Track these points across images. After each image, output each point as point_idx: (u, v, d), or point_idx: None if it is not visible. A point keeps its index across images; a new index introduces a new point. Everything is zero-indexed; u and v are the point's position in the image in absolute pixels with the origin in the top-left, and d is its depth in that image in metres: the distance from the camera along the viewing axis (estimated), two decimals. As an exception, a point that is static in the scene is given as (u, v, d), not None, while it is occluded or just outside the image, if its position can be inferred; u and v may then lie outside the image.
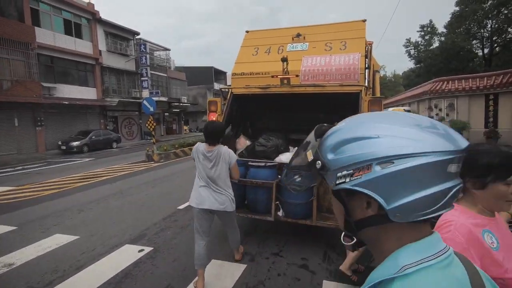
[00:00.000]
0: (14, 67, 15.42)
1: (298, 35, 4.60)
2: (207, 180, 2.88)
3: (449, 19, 23.88)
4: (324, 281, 2.95)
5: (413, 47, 26.70)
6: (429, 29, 26.12)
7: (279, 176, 3.67)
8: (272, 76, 4.07)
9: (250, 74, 4.53)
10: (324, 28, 4.70)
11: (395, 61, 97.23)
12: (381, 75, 54.01)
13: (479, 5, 21.28)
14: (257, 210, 3.76)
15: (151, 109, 11.00)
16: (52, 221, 4.85)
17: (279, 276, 3.07)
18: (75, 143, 16.68)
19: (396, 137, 0.49)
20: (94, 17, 20.35)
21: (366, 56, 4.70)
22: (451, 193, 0.49)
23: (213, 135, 2.90)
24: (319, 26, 4.80)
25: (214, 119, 4.43)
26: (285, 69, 3.96)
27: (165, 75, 28.64)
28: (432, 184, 0.48)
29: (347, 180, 0.52)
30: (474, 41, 23.83)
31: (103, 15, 20.96)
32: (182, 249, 3.72)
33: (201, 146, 2.93)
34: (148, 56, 23.91)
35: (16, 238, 4.22)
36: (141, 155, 13.26)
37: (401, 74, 43.88)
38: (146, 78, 23.99)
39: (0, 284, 3.05)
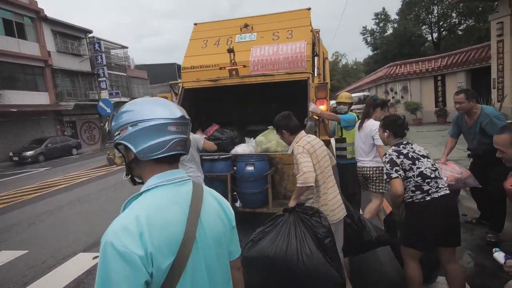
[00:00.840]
0: None
1: (246, 25, 4.58)
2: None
3: (400, 6, 25.13)
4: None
5: (369, 35, 27.84)
6: (382, 16, 27.33)
7: (234, 168, 3.67)
8: (220, 68, 4.03)
9: (200, 67, 4.46)
10: (271, 18, 4.72)
11: (356, 49, 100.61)
12: (343, 63, 55.90)
13: (425, -9, 22.56)
14: (215, 203, 3.74)
15: (108, 110, 10.49)
16: (-2, 238, 4.49)
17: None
18: (29, 153, 15.51)
19: (141, 110, 0.85)
20: (39, 16, 18.83)
21: (314, 44, 4.81)
22: (171, 143, 0.84)
23: None
24: (266, 16, 4.81)
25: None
26: (232, 60, 3.93)
27: (125, 74, 27.38)
28: (158, 136, 0.83)
29: (117, 137, 0.85)
30: (424, 27, 25.31)
31: (51, 14, 19.49)
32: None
33: None
34: (103, 55, 22.65)
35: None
36: (103, 159, 12.62)
37: (362, 61, 45.60)
38: (104, 79, 22.75)
39: None
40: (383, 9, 27.24)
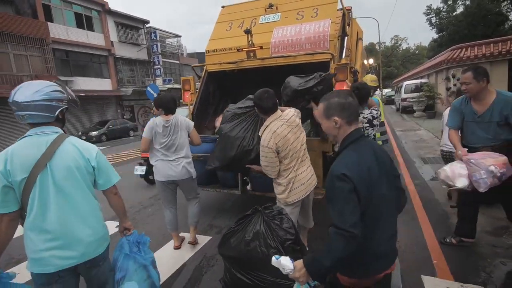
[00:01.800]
0: (32, 63, 16.21)
1: (271, 5, 4.42)
2: (166, 152, 2.97)
3: (476, -20, 21.76)
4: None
5: (434, 15, 24.77)
6: (452, -7, 24.00)
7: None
8: (238, 50, 3.98)
9: (223, 50, 4.46)
10: None
11: (420, 32, 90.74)
12: (403, 48, 51.04)
13: (508, -39, 19.15)
14: (227, 184, 3.80)
15: (155, 95, 11.19)
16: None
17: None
18: (94, 133, 17.51)
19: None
20: (104, 9, 20.71)
21: (345, 23, 4.46)
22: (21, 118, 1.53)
23: (169, 105, 3.00)
24: None
25: (188, 98, 4.46)
26: (250, 42, 3.85)
27: (178, 62, 28.86)
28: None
29: None
30: (505, 3, 21.64)
31: (113, 6, 21.30)
32: (156, 224, 3.88)
33: (157, 119, 2.99)
34: (159, 44, 24.14)
35: None
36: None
37: (427, 45, 41.12)
38: (159, 66, 24.36)
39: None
40: (454, -16, 23.80)
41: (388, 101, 25.17)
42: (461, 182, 2.33)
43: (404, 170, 5.65)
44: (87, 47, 19.44)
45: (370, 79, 3.75)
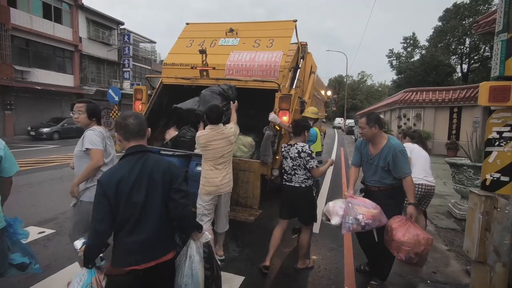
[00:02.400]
0: (-15, 48, 15.01)
1: (231, 30, 4.64)
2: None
3: (431, 34, 24.49)
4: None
5: (395, 58, 27.28)
6: (411, 41, 26.72)
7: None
8: (191, 67, 4.10)
9: (180, 65, 4.55)
10: (256, 25, 4.77)
11: (384, 72, 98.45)
12: (368, 84, 54.89)
13: (459, 22, 21.89)
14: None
15: (116, 98, 10.89)
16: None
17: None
18: (45, 130, 16.28)
19: None
20: (76, 3, 20.00)
21: (299, 57, 4.80)
22: None
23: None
24: (252, 23, 4.87)
25: (140, 107, 4.44)
26: (204, 61, 4.00)
27: (149, 67, 28.34)
28: None
29: None
30: (453, 57, 24.47)
31: (89, 4, 20.67)
32: (85, 233, 3.71)
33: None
34: (131, 47, 23.65)
35: None
36: (108, 145, 13.06)
37: (389, 84, 44.71)
38: (128, 69, 23.73)
39: None
40: (413, 34, 26.59)
41: (350, 131, 26.72)
42: (335, 220, 2.59)
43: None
44: (51, 39, 18.46)
45: (311, 111, 4.01)
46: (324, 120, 9.33)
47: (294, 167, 2.98)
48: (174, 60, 4.63)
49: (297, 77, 4.74)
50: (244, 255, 3.42)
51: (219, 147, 3.01)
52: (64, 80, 19.57)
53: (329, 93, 10.16)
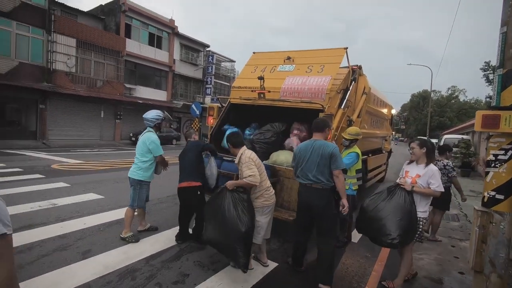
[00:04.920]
0: (107, 70, 19.20)
1: (288, 57, 5.40)
2: None
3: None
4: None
5: (492, 71, 23.83)
6: None
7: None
8: (252, 91, 4.97)
9: (245, 88, 5.49)
10: (310, 53, 5.40)
11: (483, 87, 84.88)
12: (461, 100, 48.36)
13: None
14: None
15: (197, 112, 12.73)
16: (93, 186, 6.54)
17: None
18: (142, 136, 19.72)
19: None
20: (173, 31, 23.79)
21: (352, 79, 5.25)
22: None
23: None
24: (307, 51, 5.51)
25: (211, 121, 5.53)
26: (262, 86, 4.82)
27: (228, 84, 31.19)
28: None
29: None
30: None
31: (182, 29, 24.34)
32: (165, 216, 4.84)
33: None
34: (214, 66, 26.65)
35: (66, 190, 5.96)
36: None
37: (484, 100, 38.83)
38: (210, 86, 26.72)
39: (45, 213, 4.59)
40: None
41: (431, 151, 24.21)
42: None
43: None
44: (153, 62, 22.36)
45: (348, 131, 4.30)
46: (387, 137, 9.18)
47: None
48: (240, 84, 5.61)
49: (346, 97, 5.17)
50: (282, 248, 4.02)
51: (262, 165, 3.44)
52: (159, 95, 23.28)
53: (393, 111, 9.98)
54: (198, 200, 3.81)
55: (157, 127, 4.22)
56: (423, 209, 2.98)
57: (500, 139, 2.17)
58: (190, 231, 4.06)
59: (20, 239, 3.55)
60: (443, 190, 2.99)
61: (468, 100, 49.75)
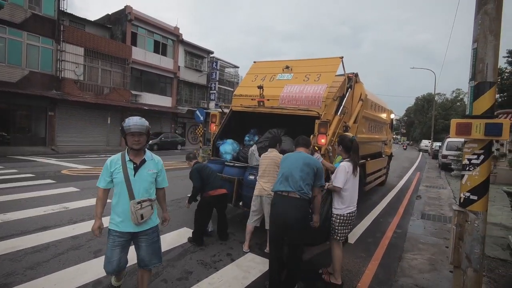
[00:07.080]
0: (113, 77, 19.71)
1: (287, 67, 5.66)
2: None
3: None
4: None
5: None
6: (517, 55, 23.04)
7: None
8: (252, 99, 5.23)
9: (246, 96, 5.76)
10: (307, 62, 5.66)
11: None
12: (466, 103, 48.02)
13: None
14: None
15: (201, 118, 13.01)
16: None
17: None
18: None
19: None
20: (178, 39, 24.31)
21: (348, 87, 5.48)
22: None
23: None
24: (305, 60, 5.78)
25: (214, 128, 5.79)
26: (261, 94, 5.08)
27: (232, 89, 31.59)
28: None
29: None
30: None
31: (191, 35, 24.85)
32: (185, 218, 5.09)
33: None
34: (218, 72, 27.09)
35: (77, 195, 6.25)
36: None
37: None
38: (214, 92, 27.15)
39: (58, 216, 4.87)
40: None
41: (436, 154, 24.18)
42: None
43: (397, 219, 6.16)
44: (158, 68, 22.86)
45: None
46: (387, 142, 9.36)
47: None
48: (241, 92, 5.88)
49: (343, 104, 5.40)
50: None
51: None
52: (164, 101, 23.72)
53: (392, 116, 10.15)
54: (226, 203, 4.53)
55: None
56: (338, 206, 3.24)
57: (473, 145, 2.39)
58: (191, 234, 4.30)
59: (37, 239, 3.83)
60: (338, 185, 3.15)
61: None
